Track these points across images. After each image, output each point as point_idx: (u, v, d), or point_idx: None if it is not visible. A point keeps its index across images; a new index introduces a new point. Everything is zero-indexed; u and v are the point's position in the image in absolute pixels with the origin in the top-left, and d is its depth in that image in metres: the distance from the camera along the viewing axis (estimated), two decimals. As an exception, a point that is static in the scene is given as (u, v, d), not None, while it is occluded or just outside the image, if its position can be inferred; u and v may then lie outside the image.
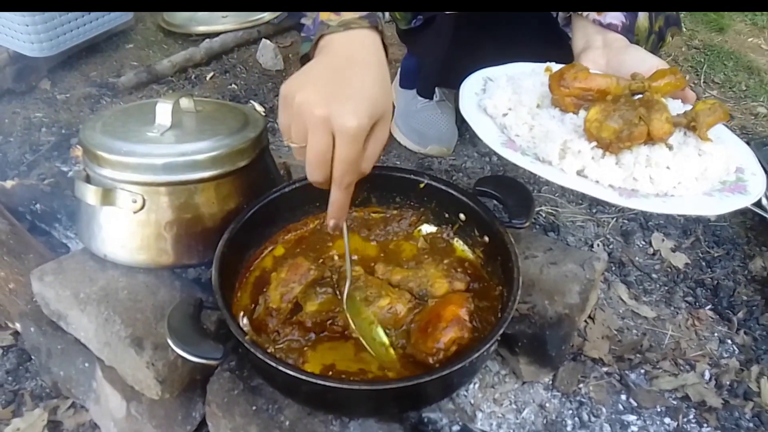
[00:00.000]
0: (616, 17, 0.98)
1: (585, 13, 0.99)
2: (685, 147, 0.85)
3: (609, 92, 0.86)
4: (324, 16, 0.80)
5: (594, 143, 0.82)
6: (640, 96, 0.86)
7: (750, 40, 2.19)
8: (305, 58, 0.82)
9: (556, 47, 1.11)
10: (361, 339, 0.84)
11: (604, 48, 0.98)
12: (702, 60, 2.01)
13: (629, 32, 0.99)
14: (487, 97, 0.92)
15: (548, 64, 0.97)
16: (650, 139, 0.82)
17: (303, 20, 0.87)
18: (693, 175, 0.82)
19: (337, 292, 0.90)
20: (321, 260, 0.97)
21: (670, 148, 0.83)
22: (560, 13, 1.08)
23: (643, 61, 0.93)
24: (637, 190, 0.80)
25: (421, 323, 0.87)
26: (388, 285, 0.91)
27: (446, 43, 1.28)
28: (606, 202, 0.83)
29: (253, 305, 0.91)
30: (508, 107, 0.89)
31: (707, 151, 0.85)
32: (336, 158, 0.71)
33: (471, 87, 0.95)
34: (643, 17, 1.01)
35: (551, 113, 0.88)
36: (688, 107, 0.91)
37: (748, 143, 1.48)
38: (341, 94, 0.70)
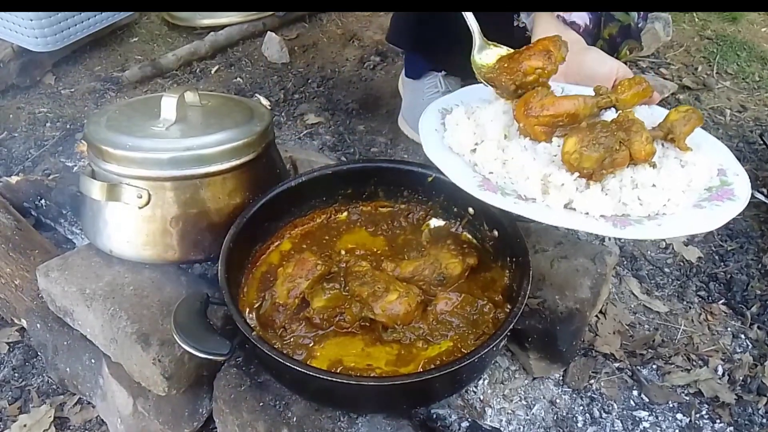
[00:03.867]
0: (581, 17, 0.96)
1: None
2: (666, 160, 0.83)
3: (578, 114, 0.83)
4: None
5: (576, 174, 0.79)
6: (609, 111, 0.84)
7: (763, 30, 2.15)
8: None
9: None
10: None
11: None
12: (715, 50, 1.98)
13: (589, 35, 0.98)
14: (449, 134, 0.89)
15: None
16: (633, 162, 0.80)
17: None
18: (680, 189, 0.80)
19: (344, 288, 0.89)
20: (328, 255, 0.96)
21: (654, 166, 0.81)
22: None
23: (603, 63, 0.92)
24: (628, 214, 0.78)
25: (510, 58, 0.86)
26: (395, 280, 0.90)
27: None
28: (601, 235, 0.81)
29: (259, 301, 0.90)
30: (475, 142, 0.86)
31: (689, 160, 0.83)
32: None
33: (430, 124, 0.91)
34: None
35: (521, 144, 0.84)
36: (656, 110, 0.89)
37: (761, 135, 1.47)
38: None
